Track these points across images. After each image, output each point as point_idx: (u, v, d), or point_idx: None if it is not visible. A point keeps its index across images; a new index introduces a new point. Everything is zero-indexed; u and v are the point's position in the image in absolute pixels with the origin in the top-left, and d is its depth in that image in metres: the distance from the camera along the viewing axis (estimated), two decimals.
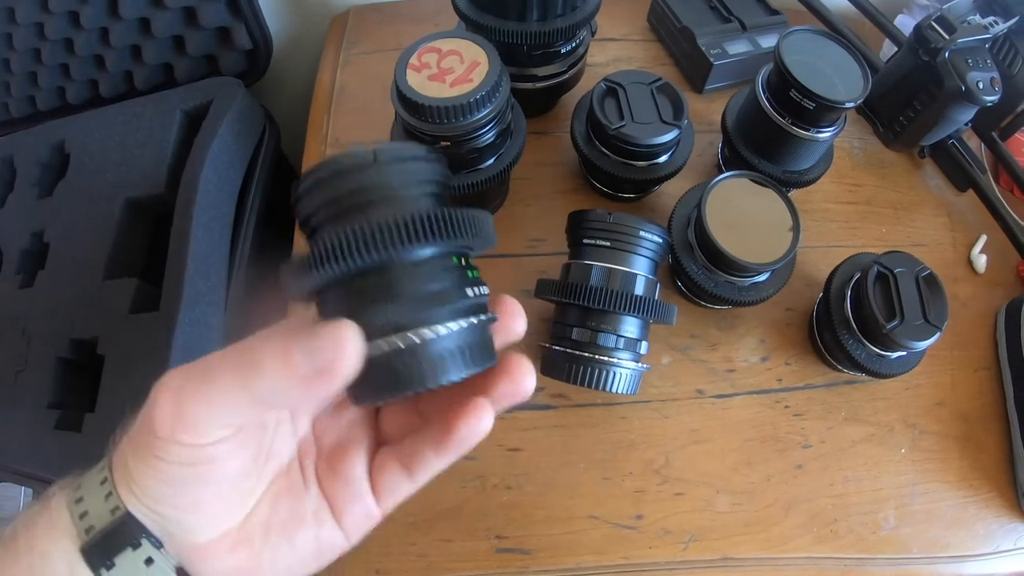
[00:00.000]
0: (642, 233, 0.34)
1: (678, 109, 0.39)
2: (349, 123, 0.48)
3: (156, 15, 0.48)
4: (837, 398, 0.43)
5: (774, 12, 0.50)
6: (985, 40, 0.43)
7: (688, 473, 0.39)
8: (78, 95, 0.51)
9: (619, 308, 0.33)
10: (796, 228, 0.37)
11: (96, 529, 0.20)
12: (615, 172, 0.40)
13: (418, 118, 0.34)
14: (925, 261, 0.48)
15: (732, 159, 0.42)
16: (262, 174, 0.49)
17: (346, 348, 0.17)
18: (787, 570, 0.40)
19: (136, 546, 0.20)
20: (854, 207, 0.48)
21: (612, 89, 0.39)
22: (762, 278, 0.38)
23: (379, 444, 0.24)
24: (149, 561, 0.21)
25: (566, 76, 0.42)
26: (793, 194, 0.47)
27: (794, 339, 0.43)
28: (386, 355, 0.18)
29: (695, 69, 0.48)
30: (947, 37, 0.41)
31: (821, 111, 0.37)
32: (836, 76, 0.38)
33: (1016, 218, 0.51)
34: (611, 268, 0.34)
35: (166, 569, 0.21)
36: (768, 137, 0.40)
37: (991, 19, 0.42)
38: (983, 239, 0.50)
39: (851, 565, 0.41)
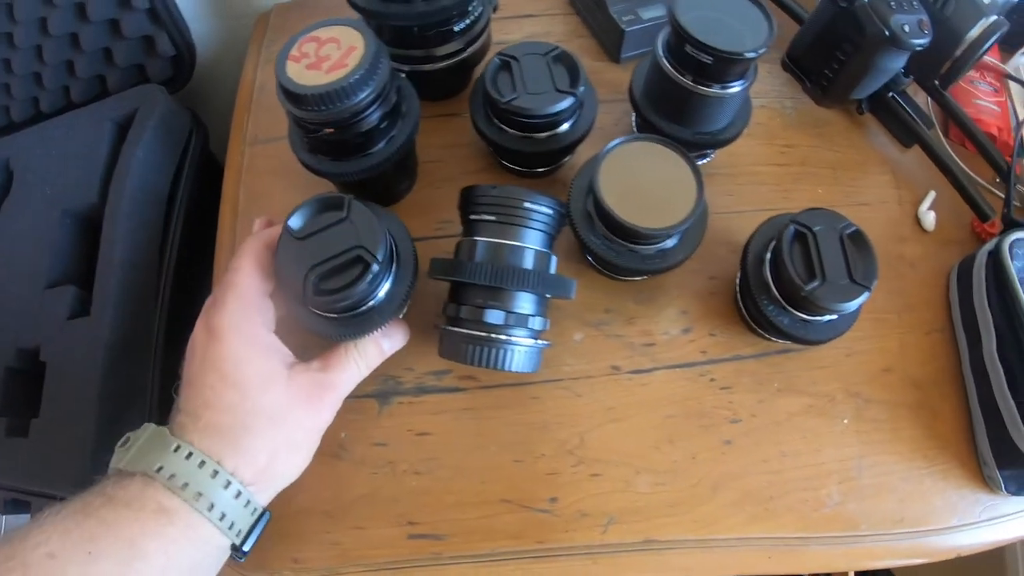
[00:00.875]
0: (527, 205, 0.32)
1: (575, 77, 0.37)
2: (268, 121, 0.48)
3: (83, 29, 0.48)
4: (769, 369, 0.40)
5: None
6: None
7: (604, 453, 0.37)
8: (21, 113, 0.52)
9: (503, 283, 0.31)
10: (699, 190, 0.34)
11: (244, 531, 0.29)
12: (515, 147, 0.38)
13: (299, 107, 0.33)
14: (869, 221, 0.45)
15: (643, 127, 0.40)
16: (189, 177, 0.49)
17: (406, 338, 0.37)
18: (718, 552, 0.37)
19: (260, 523, 0.30)
20: (786, 168, 0.45)
21: (506, 63, 0.38)
22: (669, 244, 0.36)
23: None
24: (261, 525, 0.30)
25: (465, 54, 0.41)
26: (720, 158, 0.44)
27: (719, 309, 0.40)
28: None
29: (609, 38, 0.46)
30: None
31: (722, 65, 0.34)
32: (743, 27, 0.35)
33: (968, 172, 0.47)
34: (497, 243, 0.32)
35: (267, 517, 0.31)
36: (674, 99, 0.37)
37: None
38: (931, 196, 0.46)
39: (793, 544, 0.38)
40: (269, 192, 0.45)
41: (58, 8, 0.45)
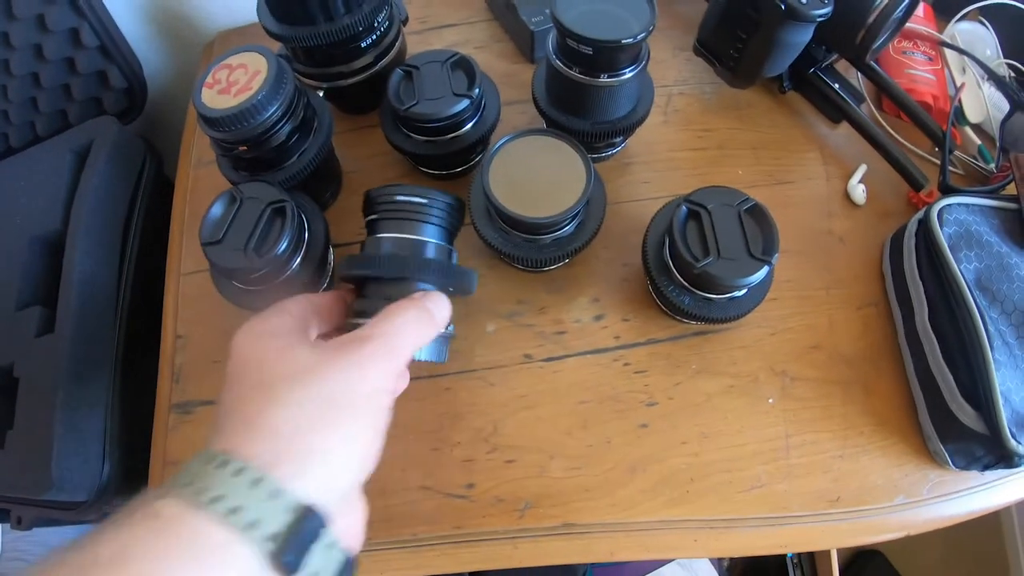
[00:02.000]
0: (419, 199, 0.34)
1: (471, 79, 0.39)
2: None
3: (42, 68, 0.53)
4: (685, 351, 0.41)
5: None
6: None
7: (518, 440, 0.39)
8: None
9: (404, 273, 0.32)
10: (589, 176, 0.36)
11: (281, 535, 0.20)
12: (423, 151, 0.41)
13: (213, 129, 0.37)
14: (794, 198, 0.46)
15: (548, 123, 0.42)
16: (144, 200, 0.53)
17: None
18: (640, 535, 0.39)
19: (321, 534, 0.21)
20: (703, 152, 0.46)
21: (408, 72, 0.40)
22: (566, 231, 0.38)
23: None
24: (331, 546, 0.21)
25: (377, 67, 0.44)
26: (635, 147, 0.46)
27: (632, 295, 0.42)
28: None
29: (522, 40, 0.49)
30: None
31: (605, 54, 0.36)
32: (629, 14, 0.37)
33: (903, 142, 0.47)
34: (397, 237, 0.35)
35: (340, 548, 0.22)
36: (568, 93, 0.39)
37: None
38: (862, 169, 0.47)
39: (718, 527, 0.39)
40: None
41: (17, 50, 0.50)
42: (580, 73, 0.38)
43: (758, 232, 0.36)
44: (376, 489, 0.39)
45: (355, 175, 0.47)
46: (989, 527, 0.67)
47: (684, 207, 0.36)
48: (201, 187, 0.50)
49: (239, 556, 0.20)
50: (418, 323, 0.28)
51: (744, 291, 0.38)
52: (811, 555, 0.66)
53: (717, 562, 0.69)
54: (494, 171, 0.36)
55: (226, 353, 0.45)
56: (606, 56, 0.37)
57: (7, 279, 0.53)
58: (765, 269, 0.35)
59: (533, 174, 0.37)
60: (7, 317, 0.52)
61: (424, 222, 0.35)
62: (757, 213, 0.37)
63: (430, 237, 0.35)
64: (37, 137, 0.57)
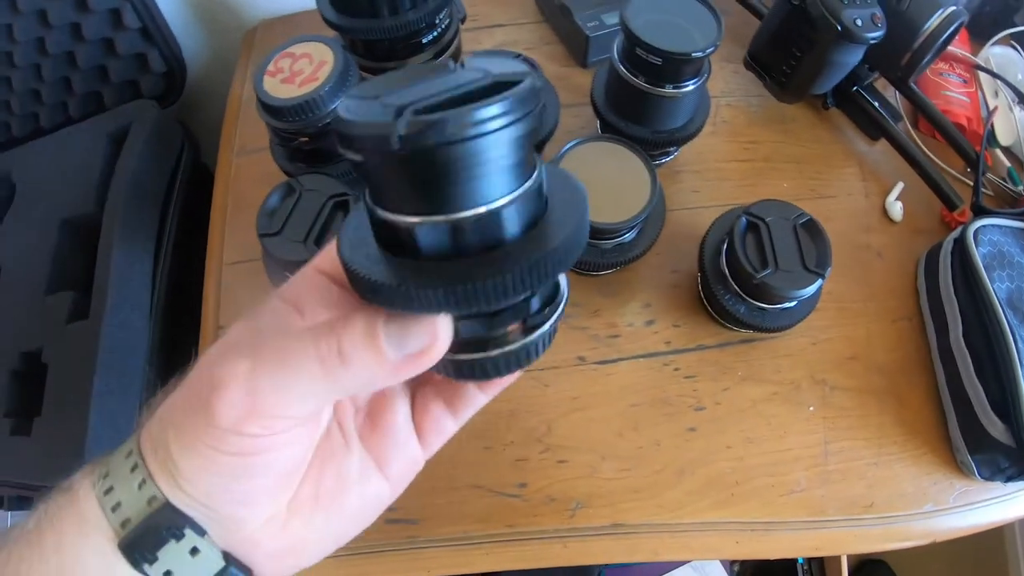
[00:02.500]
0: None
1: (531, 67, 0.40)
2: (254, 132, 0.52)
3: (80, 48, 0.52)
4: (732, 358, 0.42)
5: None
6: None
7: (571, 440, 0.40)
8: (22, 128, 0.56)
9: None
10: (653, 186, 0.37)
11: (133, 522, 0.19)
12: None
13: (275, 118, 0.37)
14: (834, 213, 0.48)
15: (605, 128, 0.43)
16: (182, 187, 0.53)
17: (440, 337, 0.16)
18: (685, 536, 0.40)
19: (180, 537, 0.19)
20: (751, 164, 0.47)
21: None
22: (628, 238, 0.39)
23: (415, 387, 0.22)
24: (194, 551, 0.19)
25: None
26: (685, 155, 0.47)
27: (683, 301, 0.43)
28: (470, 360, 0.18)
29: (575, 44, 0.49)
30: None
31: (672, 65, 0.37)
32: (694, 28, 0.38)
33: (937, 162, 0.49)
34: None
35: (213, 557, 0.19)
36: (630, 101, 0.40)
37: None
38: (899, 187, 0.48)
39: (759, 529, 0.41)
40: (254, 199, 0.48)
41: (55, 28, 0.50)
42: (645, 82, 0.39)
43: (812, 246, 0.38)
44: (427, 487, 0.40)
45: None
46: (992, 540, 0.70)
47: (744, 218, 0.38)
48: (243, 176, 0.50)
49: (109, 537, 0.19)
50: (335, 366, 0.17)
51: (795, 302, 0.39)
52: (821, 563, 0.68)
53: (728, 565, 0.71)
54: None
55: None
56: (673, 67, 0.38)
57: (36, 262, 0.52)
58: (819, 282, 0.37)
59: (599, 179, 0.38)
60: (36, 301, 0.51)
61: None
62: (811, 227, 0.38)
63: None
64: (69, 119, 0.56)
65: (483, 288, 0.14)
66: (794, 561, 0.66)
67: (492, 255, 0.15)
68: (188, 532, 0.19)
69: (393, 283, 0.15)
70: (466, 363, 0.17)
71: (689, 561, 0.66)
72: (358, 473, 0.21)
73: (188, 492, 0.18)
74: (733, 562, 0.72)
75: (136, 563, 0.19)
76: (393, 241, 0.16)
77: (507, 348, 0.18)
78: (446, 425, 0.22)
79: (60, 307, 0.50)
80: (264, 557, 0.20)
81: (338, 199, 0.37)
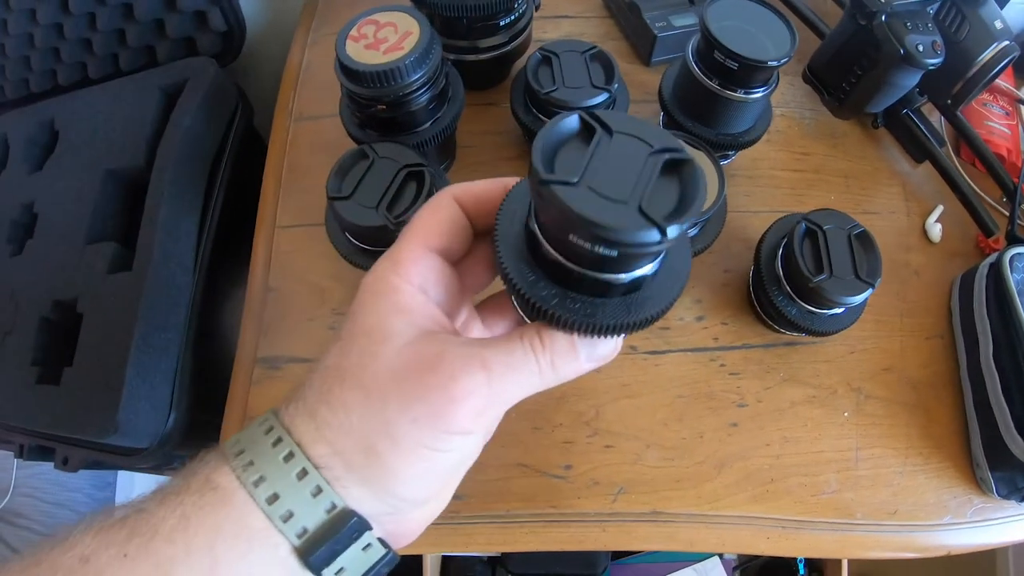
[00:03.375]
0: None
1: (609, 75, 0.42)
2: (313, 99, 0.52)
3: (138, 0, 0.52)
4: (775, 359, 0.44)
5: None
6: (927, 3, 0.44)
7: (618, 426, 0.41)
8: (68, 77, 0.56)
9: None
10: (721, 186, 0.39)
11: (311, 531, 0.20)
12: None
13: (355, 83, 0.38)
14: (877, 229, 0.49)
15: (670, 126, 0.44)
16: (233, 149, 0.53)
17: (618, 347, 0.23)
18: (720, 528, 0.41)
19: (359, 538, 0.20)
20: (802, 175, 0.49)
21: (547, 57, 0.42)
22: (691, 234, 0.40)
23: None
24: (367, 547, 0.21)
25: (508, 48, 0.45)
26: (740, 160, 0.49)
27: (732, 300, 0.45)
28: None
29: (642, 42, 0.51)
30: (883, 0, 0.42)
31: (746, 71, 0.39)
32: (767, 38, 0.40)
33: (976, 190, 0.52)
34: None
35: (378, 548, 0.21)
36: (700, 101, 0.42)
37: None
38: (939, 209, 0.50)
39: (790, 527, 0.42)
40: (310, 166, 0.49)
41: None
42: (718, 84, 0.40)
43: (864, 256, 0.40)
44: (475, 464, 0.41)
45: (469, 150, 0.48)
46: (983, 561, 0.73)
47: (804, 224, 0.39)
48: (299, 142, 0.50)
49: (277, 544, 0.20)
50: (557, 370, 0.21)
51: (843, 309, 0.41)
52: (821, 574, 0.70)
53: (730, 571, 0.73)
54: None
55: (319, 312, 0.45)
56: (746, 73, 0.39)
57: (78, 211, 0.52)
58: (868, 291, 0.39)
59: None
60: (74, 251, 0.51)
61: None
62: (865, 239, 0.40)
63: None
64: (119, 71, 0.56)
65: (628, 325, 0.20)
66: (795, 571, 0.68)
67: (627, 299, 0.20)
68: (365, 535, 0.21)
69: (587, 320, 0.20)
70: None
71: (687, 566, 0.68)
72: None
73: (400, 494, 0.21)
74: (735, 567, 0.74)
75: (316, 569, 0.20)
76: (558, 274, 0.20)
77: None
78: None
79: (100, 257, 0.50)
80: (414, 526, 0.23)
81: (412, 169, 0.38)
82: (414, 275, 0.22)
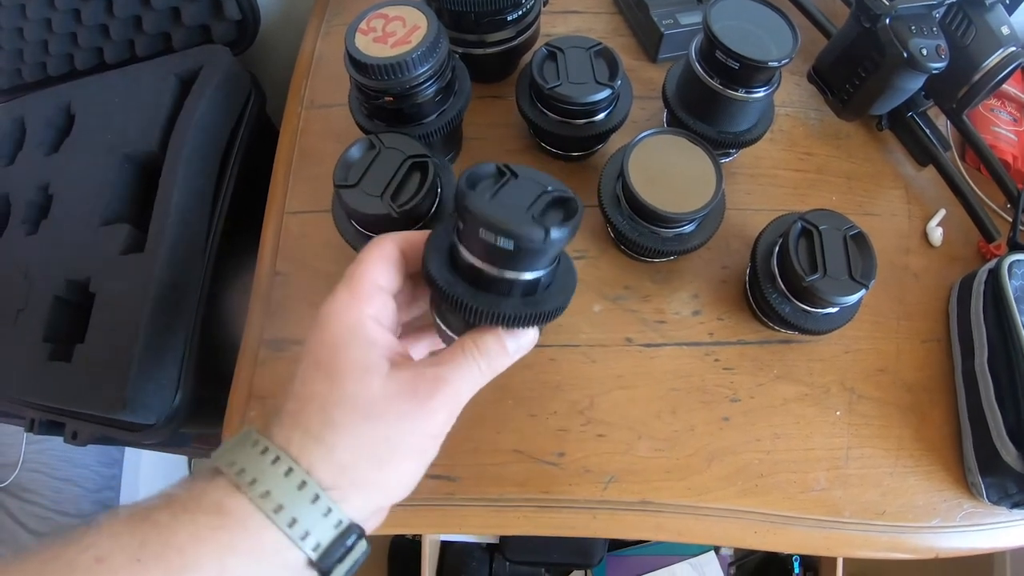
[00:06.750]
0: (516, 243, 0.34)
1: (613, 71, 0.43)
2: (325, 88, 0.55)
3: None
4: (770, 356, 0.46)
5: None
6: (933, 7, 0.45)
7: (611, 416, 0.43)
8: (85, 62, 0.59)
9: (483, 307, 0.29)
10: (719, 183, 0.40)
11: (323, 545, 0.25)
12: (554, 131, 0.44)
13: (363, 75, 0.40)
14: (877, 231, 0.51)
15: (673, 123, 0.46)
16: (245, 135, 0.55)
17: (534, 341, 0.30)
18: (709, 520, 0.43)
19: (355, 544, 0.26)
20: (804, 175, 0.51)
21: (552, 53, 0.44)
22: (688, 229, 0.42)
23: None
24: (355, 547, 0.26)
25: (515, 42, 0.47)
26: (743, 158, 0.51)
27: (729, 296, 0.46)
28: None
29: (648, 39, 0.53)
30: (888, 3, 0.44)
31: (747, 71, 0.41)
32: (770, 39, 0.41)
33: (980, 195, 0.53)
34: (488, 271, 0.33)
35: (363, 544, 0.26)
36: (702, 99, 0.44)
37: None
38: (941, 213, 0.52)
39: (778, 522, 0.44)
40: (320, 153, 0.51)
41: None
42: (719, 83, 0.42)
43: (859, 257, 0.41)
44: (470, 448, 0.43)
45: (475, 142, 0.50)
46: (981, 567, 0.74)
47: (800, 224, 0.41)
48: (310, 129, 0.53)
49: (293, 560, 0.24)
50: (490, 369, 0.28)
51: (837, 309, 0.43)
52: (816, 573, 0.72)
53: (726, 568, 0.75)
54: (634, 161, 0.40)
55: (324, 297, 0.48)
56: (748, 73, 0.41)
57: (92, 193, 0.54)
58: (862, 292, 0.40)
59: (668, 170, 0.41)
60: (88, 232, 0.54)
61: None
62: (860, 240, 0.42)
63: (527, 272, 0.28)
64: (135, 56, 0.58)
65: (527, 317, 0.27)
66: (790, 569, 0.70)
67: (526, 300, 0.27)
68: (361, 541, 0.26)
69: (494, 310, 0.26)
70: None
71: (682, 559, 0.70)
72: None
73: (393, 491, 0.27)
74: (731, 564, 0.76)
75: (325, 571, 0.25)
76: (472, 276, 0.26)
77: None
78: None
79: (114, 239, 0.52)
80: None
81: (416, 160, 0.40)
82: (371, 308, 0.27)
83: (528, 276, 0.26)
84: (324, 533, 0.24)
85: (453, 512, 0.42)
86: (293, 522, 0.24)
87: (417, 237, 0.29)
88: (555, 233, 0.23)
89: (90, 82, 0.58)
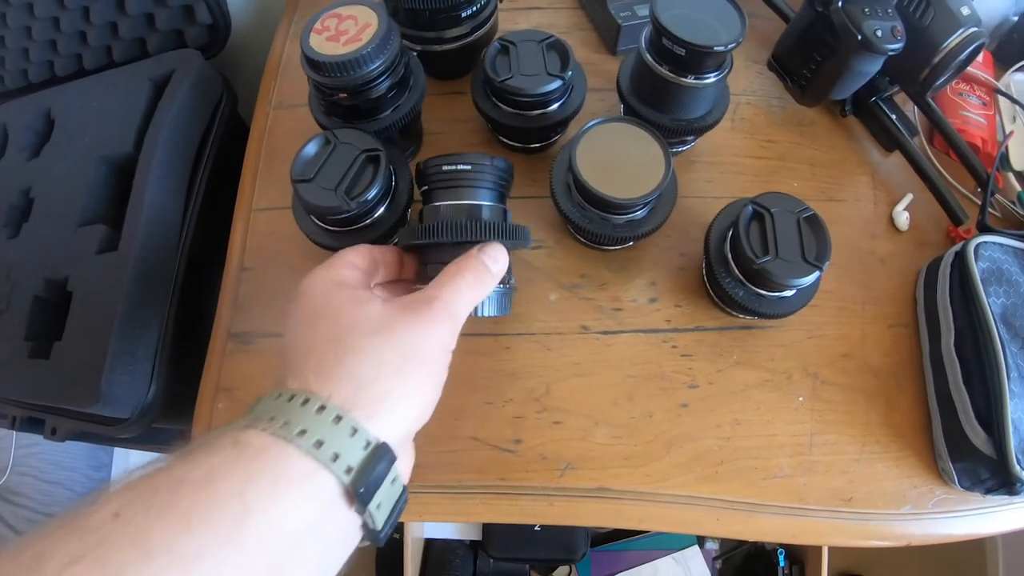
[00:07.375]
0: (464, 168, 0.37)
1: (565, 62, 0.44)
2: (292, 89, 0.56)
3: None
4: (729, 342, 0.46)
5: None
6: None
7: (567, 403, 0.43)
8: (65, 68, 0.61)
9: (454, 238, 0.34)
10: (667, 168, 0.41)
11: (355, 468, 0.24)
12: (509, 123, 0.45)
13: (318, 73, 0.41)
14: (843, 216, 0.51)
15: (628, 113, 0.47)
16: (218, 135, 0.57)
17: (506, 262, 0.35)
18: (668, 507, 0.43)
19: (388, 470, 0.25)
20: (766, 162, 0.51)
21: (505, 47, 0.45)
22: (639, 215, 0.42)
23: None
24: (394, 481, 0.26)
25: (472, 38, 0.48)
26: (703, 147, 0.51)
27: (687, 284, 0.47)
28: None
29: (608, 32, 0.53)
30: None
31: (695, 57, 0.41)
32: (720, 25, 0.42)
33: (948, 179, 0.53)
34: (448, 204, 0.38)
35: (400, 482, 0.27)
36: (654, 88, 0.44)
37: None
38: (908, 198, 0.52)
39: (741, 509, 0.44)
40: (287, 151, 0.52)
41: None
42: (669, 71, 0.43)
43: (813, 240, 0.41)
44: (427, 435, 0.43)
45: (436, 137, 0.51)
46: (974, 560, 0.73)
47: (750, 207, 0.41)
48: (278, 128, 0.54)
49: (322, 485, 0.23)
50: (477, 282, 0.32)
51: (793, 292, 0.43)
52: (802, 568, 0.71)
53: (711, 562, 0.74)
54: (582, 150, 0.41)
55: (291, 291, 0.49)
56: (696, 59, 0.42)
57: (71, 196, 0.56)
58: (816, 274, 0.40)
59: (617, 157, 0.41)
60: (67, 233, 0.55)
61: (475, 187, 0.38)
62: (814, 222, 0.42)
63: (482, 200, 0.38)
64: (112, 62, 0.60)
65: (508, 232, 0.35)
66: (776, 563, 0.69)
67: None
68: (394, 466, 0.26)
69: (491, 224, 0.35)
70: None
71: (667, 553, 0.70)
72: None
73: (414, 408, 0.29)
74: (715, 558, 0.76)
75: (364, 502, 0.24)
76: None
77: None
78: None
79: (90, 239, 0.54)
80: (409, 463, 0.33)
81: (370, 153, 0.41)
82: (349, 272, 0.32)
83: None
84: (353, 454, 0.24)
85: (413, 499, 0.43)
86: (319, 444, 0.23)
87: (388, 249, 0.36)
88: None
89: (69, 88, 0.60)
